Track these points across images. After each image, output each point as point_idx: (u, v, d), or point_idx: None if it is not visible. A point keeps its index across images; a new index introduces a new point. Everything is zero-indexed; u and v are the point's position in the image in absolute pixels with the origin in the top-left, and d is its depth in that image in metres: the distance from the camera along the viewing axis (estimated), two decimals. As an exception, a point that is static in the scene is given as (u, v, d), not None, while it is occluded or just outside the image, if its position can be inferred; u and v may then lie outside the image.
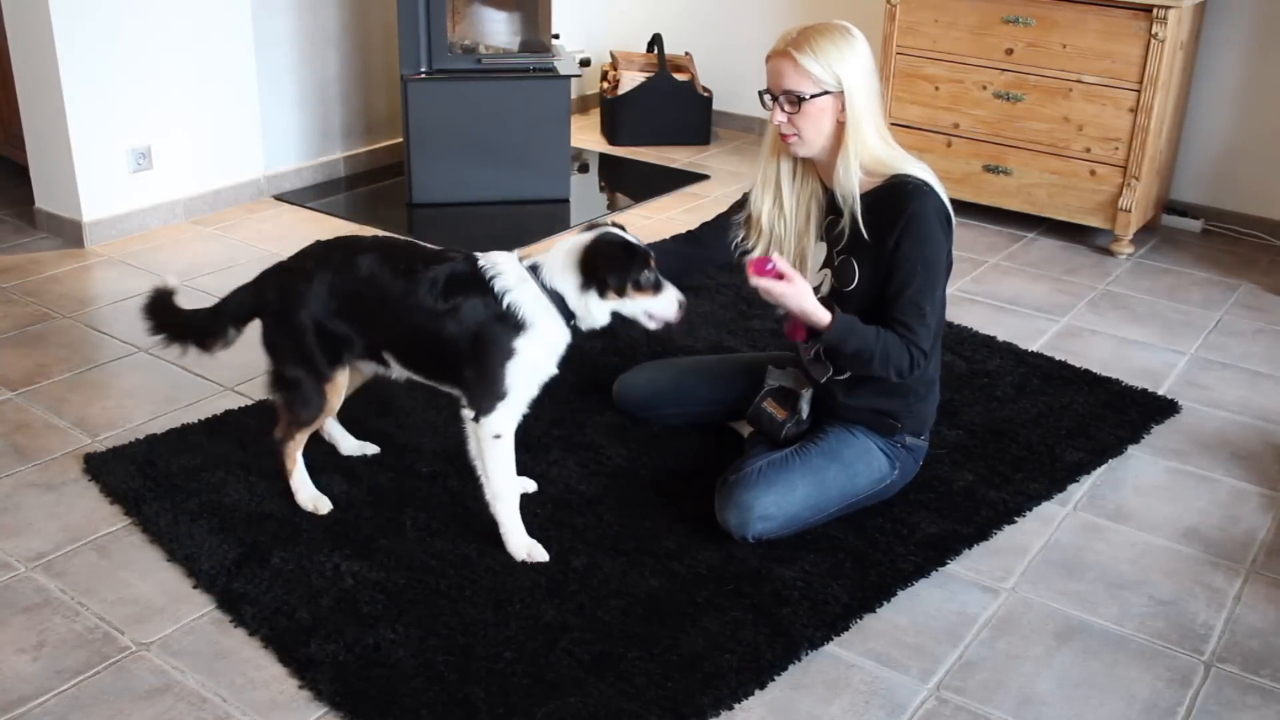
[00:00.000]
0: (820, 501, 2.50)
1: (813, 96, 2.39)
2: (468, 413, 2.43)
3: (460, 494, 2.64)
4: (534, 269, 2.39)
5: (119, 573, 2.39)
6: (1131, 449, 2.97)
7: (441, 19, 4.41)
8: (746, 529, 2.45)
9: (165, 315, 2.57)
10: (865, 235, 2.42)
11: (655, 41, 5.53)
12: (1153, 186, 4.34)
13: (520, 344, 2.37)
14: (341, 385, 2.53)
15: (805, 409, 2.60)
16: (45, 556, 2.44)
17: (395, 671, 2.10)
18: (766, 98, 2.46)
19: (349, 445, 2.79)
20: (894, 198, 2.40)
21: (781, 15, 5.29)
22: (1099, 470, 2.87)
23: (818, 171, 2.55)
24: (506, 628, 2.22)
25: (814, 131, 2.43)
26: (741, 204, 2.70)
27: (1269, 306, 3.91)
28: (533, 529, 2.52)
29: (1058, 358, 3.42)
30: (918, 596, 2.39)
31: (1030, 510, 2.69)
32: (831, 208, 2.52)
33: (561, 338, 2.42)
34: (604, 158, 5.36)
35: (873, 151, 2.41)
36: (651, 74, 5.44)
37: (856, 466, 2.54)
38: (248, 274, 2.60)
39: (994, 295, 3.90)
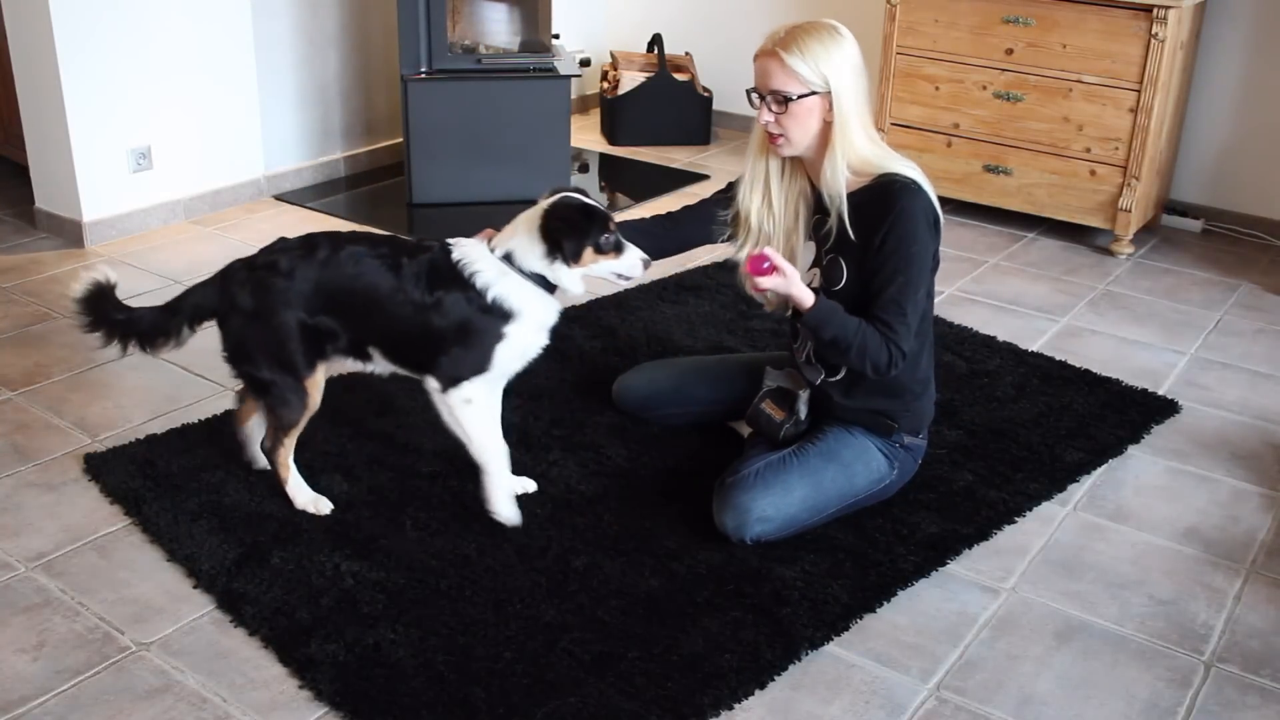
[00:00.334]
0: (818, 502, 2.50)
1: (800, 97, 2.39)
2: (434, 384, 2.44)
3: (460, 494, 2.63)
4: (508, 257, 2.40)
5: (119, 573, 2.39)
6: (1131, 449, 2.97)
7: (441, 19, 4.41)
8: (744, 531, 2.45)
9: (106, 309, 2.48)
10: (851, 235, 2.42)
11: (655, 41, 5.53)
12: (1153, 186, 4.34)
13: (511, 329, 2.39)
14: (322, 381, 2.50)
15: (803, 409, 2.60)
16: (45, 556, 2.44)
17: (395, 671, 2.10)
18: (754, 96, 2.47)
19: (258, 457, 2.69)
20: (880, 197, 2.40)
21: (781, 15, 5.29)
22: (1099, 470, 2.87)
23: (806, 169, 2.55)
24: (506, 628, 2.22)
25: (800, 132, 2.43)
26: (726, 193, 2.70)
27: (1269, 306, 3.91)
28: (533, 529, 2.52)
29: (1058, 358, 3.42)
30: (918, 596, 2.39)
31: (1030, 510, 2.69)
32: (819, 206, 2.53)
33: (550, 313, 2.44)
34: (604, 158, 5.36)
35: (859, 152, 2.41)
36: (651, 74, 5.44)
37: (855, 467, 2.54)
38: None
39: (994, 295, 3.90)
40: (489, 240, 2.46)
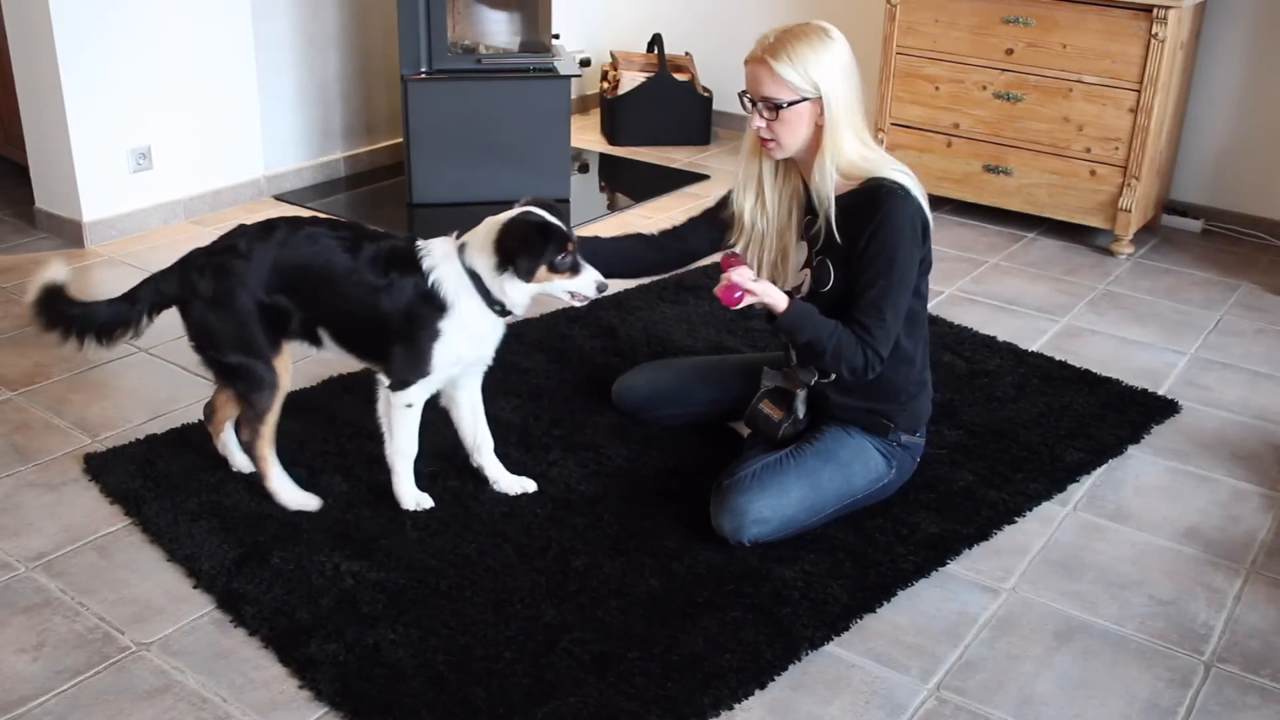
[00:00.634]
0: (816, 503, 2.50)
1: (790, 104, 2.39)
2: (384, 380, 2.47)
3: (460, 494, 2.64)
4: (462, 247, 2.41)
5: (119, 573, 2.39)
6: (1131, 449, 2.97)
7: (441, 19, 4.41)
8: (741, 534, 2.45)
9: (61, 307, 2.43)
10: (838, 238, 2.43)
11: (655, 41, 5.53)
12: (1153, 186, 4.34)
13: (444, 325, 2.40)
14: (288, 360, 2.50)
15: (801, 409, 2.60)
16: (45, 556, 2.44)
17: (395, 671, 2.10)
18: (746, 100, 2.47)
19: (243, 460, 2.68)
20: (867, 201, 2.40)
21: (781, 15, 5.28)
22: (1099, 470, 2.87)
23: (799, 170, 2.55)
24: (506, 628, 2.22)
25: (791, 136, 2.43)
26: (724, 203, 2.71)
27: (1269, 306, 3.91)
28: (533, 529, 2.52)
29: (1058, 358, 3.42)
30: (918, 596, 2.39)
31: (1030, 510, 2.69)
32: (810, 207, 2.53)
33: (482, 321, 2.43)
34: (604, 158, 5.36)
35: (848, 156, 2.41)
36: (651, 74, 5.44)
37: (852, 467, 2.54)
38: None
39: (994, 295, 3.90)
40: (457, 236, 2.47)
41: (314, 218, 2.53)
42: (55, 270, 2.44)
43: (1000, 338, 3.53)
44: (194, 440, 2.82)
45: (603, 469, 2.76)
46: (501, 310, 2.43)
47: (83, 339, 2.46)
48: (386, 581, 2.34)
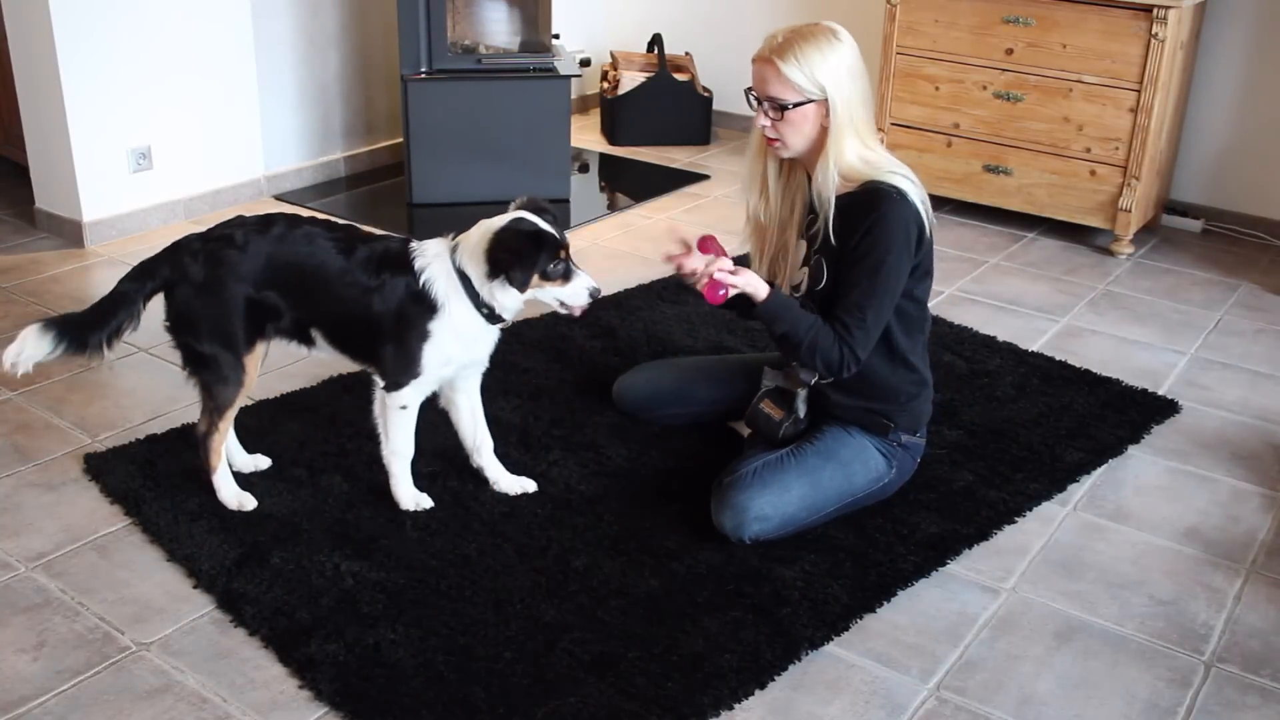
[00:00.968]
0: (816, 501, 2.50)
1: (796, 105, 2.39)
2: (379, 381, 2.48)
3: (460, 494, 2.64)
4: (454, 248, 2.41)
5: (119, 573, 2.39)
6: (1131, 449, 2.97)
7: (441, 19, 4.40)
8: (742, 531, 2.45)
9: (67, 332, 2.40)
10: (833, 239, 2.43)
11: (655, 41, 5.53)
12: (1153, 186, 4.34)
13: (433, 326, 2.40)
14: (259, 359, 2.50)
15: (802, 408, 2.60)
16: (45, 556, 2.44)
17: (395, 671, 2.10)
18: (752, 98, 2.47)
19: (242, 459, 2.70)
20: (864, 202, 2.41)
21: (781, 15, 5.29)
22: (1099, 470, 2.87)
23: (805, 167, 2.55)
24: (506, 628, 2.22)
25: (797, 137, 2.43)
26: None
27: (1269, 306, 3.91)
28: (533, 529, 2.52)
29: (1058, 358, 3.42)
30: (918, 596, 2.39)
31: (1030, 510, 2.69)
32: (813, 206, 2.53)
33: (471, 323, 2.42)
34: (604, 158, 5.35)
35: (849, 159, 2.41)
36: (651, 74, 5.44)
37: (853, 466, 2.54)
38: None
39: (994, 295, 3.90)
40: (452, 237, 2.47)
41: (312, 218, 2.53)
42: (26, 332, 2.37)
43: (1000, 338, 3.53)
44: (194, 440, 2.82)
45: (603, 469, 2.76)
46: (490, 315, 2.42)
47: (104, 348, 2.44)
48: (386, 581, 2.34)
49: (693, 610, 2.29)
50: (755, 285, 2.42)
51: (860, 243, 2.39)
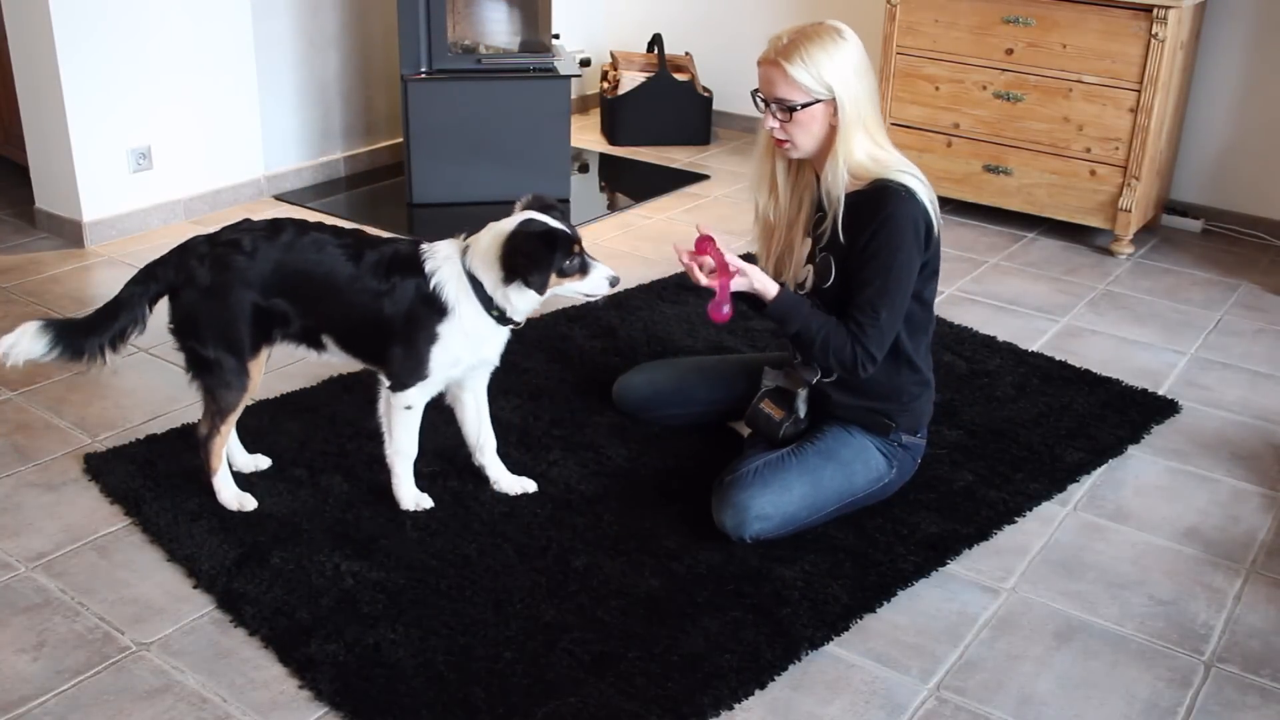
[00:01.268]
0: (817, 501, 2.50)
1: (804, 106, 2.39)
2: (384, 380, 2.47)
3: (460, 494, 2.64)
4: (465, 250, 2.40)
5: (119, 573, 2.39)
6: (1131, 449, 2.97)
7: (441, 19, 4.40)
8: (743, 530, 2.45)
9: (70, 336, 2.38)
10: (841, 237, 2.43)
11: (655, 41, 5.53)
12: (1153, 186, 4.34)
13: (443, 329, 2.39)
14: (263, 364, 2.49)
15: (802, 409, 2.60)
16: (45, 556, 2.44)
17: (395, 671, 2.10)
18: (759, 100, 2.47)
19: (243, 460, 2.70)
20: (872, 201, 2.41)
21: (781, 15, 5.29)
22: (1099, 470, 2.87)
23: (814, 165, 2.55)
24: (506, 628, 2.22)
25: (806, 137, 2.43)
26: None
27: (1269, 306, 3.91)
28: (533, 529, 2.52)
29: (1058, 358, 3.42)
30: (918, 596, 2.39)
31: (1030, 510, 2.69)
32: (820, 204, 2.53)
33: (481, 326, 2.42)
34: (604, 158, 5.36)
35: (858, 157, 2.41)
36: (651, 74, 5.44)
37: (854, 466, 2.54)
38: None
39: (994, 295, 3.90)
40: (463, 238, 2.46)
41: (319, 223, 2.52)
42: (22, 328, 2.35)
43: (1000, 338, 3.53)
44: (194, 440, 2.82)
45: (603, 469, 2.76)
46: (501, 317, 2.42)
47: (103, 354, 2.42)
48: (386, 581, 2.34)
49: (693, 610, 2.29)
50: (764, 284, 2.42)
51: (870, 242, 2.39)
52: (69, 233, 4.08)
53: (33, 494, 2.65)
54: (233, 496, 2.55)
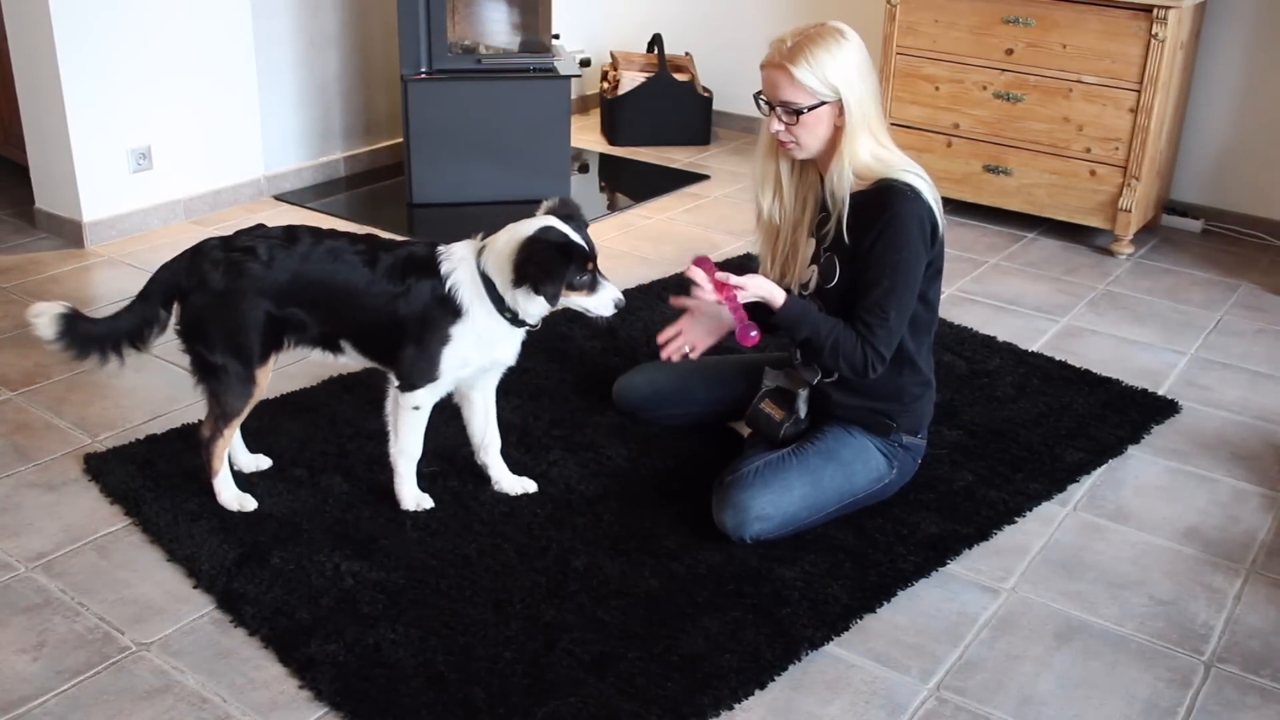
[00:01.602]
0: (817, 501, 2.50)
1: (810, 108, 2.39)
2: (393, 380, 2.47)
3: (460, 494, 2.63)
4: (481, 251, 2.40)
5: (119, 573, 2.39)
6: (1131, 449, 2.97)
7: (441, 19, 4.41)
8: (744, 530, 2.45)
9: (84, 329, 2.43)
10: (846, 237, 2.43)
11: (655, 41, 5.53)
12: (1153, 186, 4.34)
13: (455, 331, 2.39)
14: (270, 370, 2.48)
15: (803, 409, 2.60)
16: (45, 556, 2.44)
17: (395, 671, 2.10)
18: (763, 103, 2.46)
19: (244, 459, 2.70)
20: (876, 201, 2.41)
21: (781, 15, 5.29)
22: (1099, 470, 2.87)
23: (817, 165, 2.55)
24: (506, 628, 2.22)
25: (812, 139, 2.43)
26: None
27: (1269, 306, 3.91)
28: (533, 529, 2.52)
29: (1058, 358, 3.42)
30: (918, 596, 2.39)
31: (1030, 510, 2.69)
32: (824, 204, 2.53)
33: (493, 327, 2.41)
34: (604, 158, 5.36)
35: (863, 158, 2.41)
36: (651, 74, 5.44)
37: (854, 466, 2.54)
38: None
39: (994, 295, 3.90)
40: (480, 239, 2.46)
41: (333, 230, 2.51)
42: (54, 306, 2.41)
43: (1000, 338, 3.53)
44: (194, 440, 2.82)
45: (603, 469, 2.76)
46: (514, 318, 2.41)
47: (119, 352, 2.45)
48: (386, 581, 2.34)
49: (693, 610, 2.29)
50: (770, 292, 2.42)
51: (876, 242, 2.39)
52: (69, 233, 4.08)
53: (33, 494, 2.65)
54: (233, 497, 2.55)
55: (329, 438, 2.85)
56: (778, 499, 2.46)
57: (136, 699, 2.07)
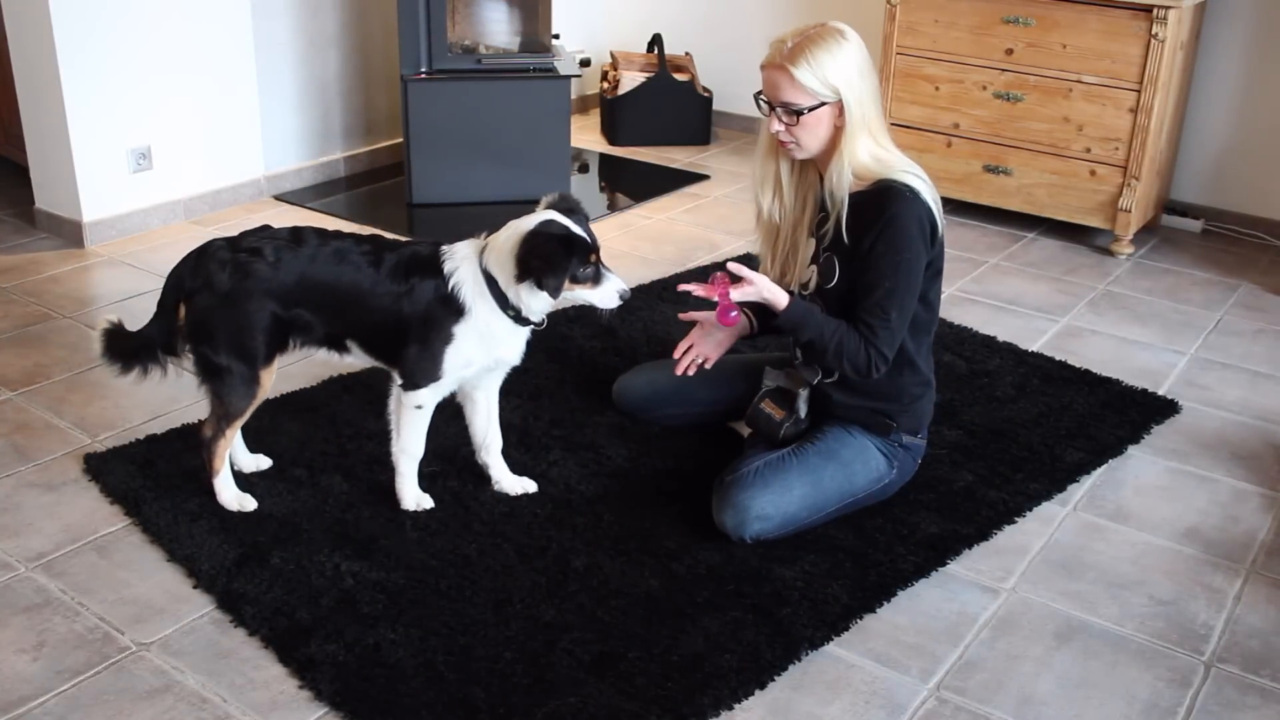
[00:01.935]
0: (817, 501, 2.50)
1: (811, 109, 2.39)
2: (397, 379, 2.47)
3: (460, 494, 2.63)
4: (484, 250, 2.40)
5: (119, 573, 2.39)
6: (1131, 449, 2.97)
7: (441, 19, 4.41)
8: (744, 530, 2.45)
9: (126, 344, 2.49)
10: (845, 238, 2.43)
11: (655, 41, 5.53)
12: (1153, 186, 4.34)
13: (458, 330, 2.39)
14: (274, 371, 2.49)
15: (803, 409, 2.60)
16: (45, 556, 2.44)
17: (395, 671, 2.10)
18: (763, 104, 2.46)
19: (245, 459, 2.70)
20: (875, 201, 2.41)
21: (781, 15, 5.29)
22: (1099, 470, 2.87)
23: (817, 165, 2.55)
24: (506, 628, 2.22)
25: (812, 139, 2.43)
26: None
27: (1269, 306, 3.91)
28: (533, 529, 2.52)
29: (1058, 358, 3.42)
30: (918, 596, 2.39)
31: (1030, 510, 2.69)
32: (823, 204, 2.53)
33: (496, 325, 2.41)
34: (604, 158, 5.36)
35: (861, 159, 2.41)
36: (651, 74, 5.44)
37: (854, 466, 2.54)
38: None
39: (994, 295, 3.90)
40: (483, 237, 2.46)
41: (339, 231, 2.51)
42: (104, 319, 2.52)
43: (1000, 338, 3.53)
44: (194, 440, 2.81)
45: (603, 469, 2.76)
46: (517, 316, 2.41)
47: (159, 362, 2.50)
48: (386, 581, 2.34)
49: (693, 610, 2.29)
50: (775, 293, 2.42)
51: (876, 243, 2.39)
52: (69, 233, 4.08)
53: (33, 494, 2.65)
54: (233, 497, 2.55)
55: (329, 438, 2.85)
56: (778, 499, 2.46)
57: (136, 699, 2.07)
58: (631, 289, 3.70)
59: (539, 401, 3.05)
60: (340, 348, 2.50)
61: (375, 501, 2.60)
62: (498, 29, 4.75)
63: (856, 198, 2.44)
